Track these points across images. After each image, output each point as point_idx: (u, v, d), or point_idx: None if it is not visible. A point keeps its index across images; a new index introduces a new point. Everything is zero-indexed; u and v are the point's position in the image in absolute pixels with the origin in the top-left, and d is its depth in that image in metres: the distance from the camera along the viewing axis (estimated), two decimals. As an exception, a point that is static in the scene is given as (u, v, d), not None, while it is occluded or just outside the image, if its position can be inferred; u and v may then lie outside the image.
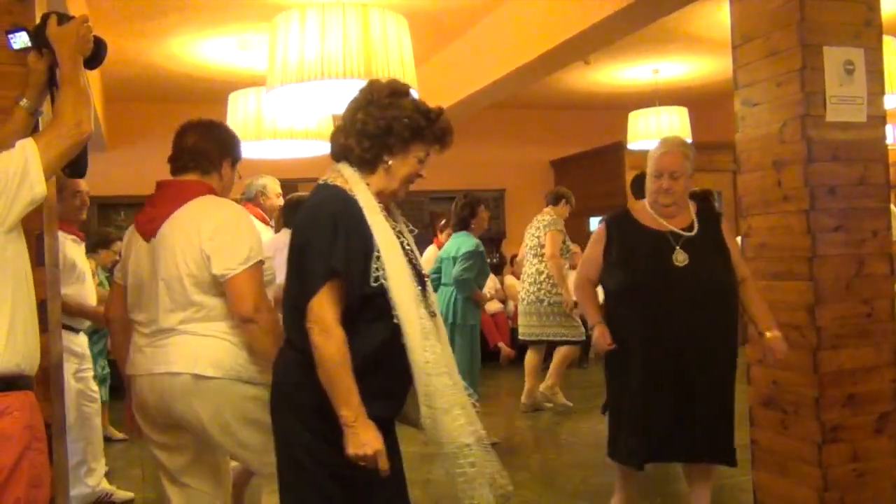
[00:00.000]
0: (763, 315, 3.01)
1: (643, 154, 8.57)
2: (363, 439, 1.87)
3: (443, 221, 6.48)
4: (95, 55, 2.20)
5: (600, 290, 3.26)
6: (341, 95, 3.74)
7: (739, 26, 3.24)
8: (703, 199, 4.79)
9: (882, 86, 3.09)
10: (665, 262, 2.97)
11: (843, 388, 2.95)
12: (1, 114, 2.20)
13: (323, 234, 1.94)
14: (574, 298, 3.91)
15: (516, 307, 6.56)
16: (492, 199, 9.50)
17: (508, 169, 9.43)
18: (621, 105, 7.85)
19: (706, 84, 8.03)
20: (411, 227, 2.16)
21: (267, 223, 4.41)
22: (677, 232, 3.02)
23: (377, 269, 1.92)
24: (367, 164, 2.05)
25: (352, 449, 1.87)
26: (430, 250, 6.44)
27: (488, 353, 8.39)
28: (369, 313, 1.94)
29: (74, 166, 2.16)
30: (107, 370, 5.53)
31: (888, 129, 3.23)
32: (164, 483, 2.55)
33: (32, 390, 1.98)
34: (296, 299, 1.97)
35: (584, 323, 5.48)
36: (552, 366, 6.04)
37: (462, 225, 5.18)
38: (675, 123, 6.97)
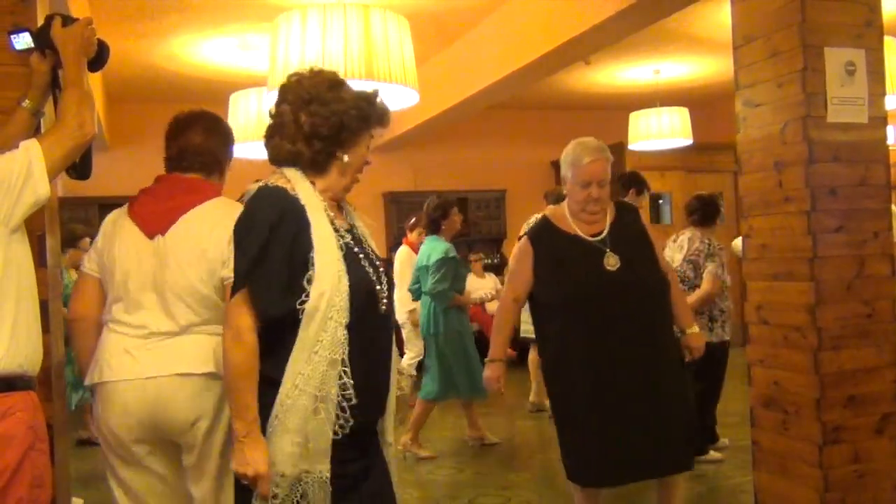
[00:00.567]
0: (685, 312, 3.14)
1: (644, 155, 8.60)
2: (248, 457, 1.78)
3: (412, 220, 6.38)
4: (98, 57, 2.21)
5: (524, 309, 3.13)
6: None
7: (740, 27, 3.24)
8: (709, 204, 4.80)
9: (883, 87, 3.09)
10: (598, 268, 2.90)
11: (844, 389, 2.95)
12: (3, 114, 2.21)
13: (252, 239, 1.83)
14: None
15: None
16: (493, 199, 9.52)
17: (509, 169, 9.43)
18: (622, 105, 7.85)
19: (707, 85, 8.03)
20: (369, 220, 2.12)
21: None
22: (602, 237, 2.97)
23: (308, 280, 1.81)
24: (318, 166, 1.96)
25: (235, 465, 1.80)
26: (402, 251, 6.31)
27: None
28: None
29: (80, 169, 2.17)
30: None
31: (889, 129, 3.23)
32: None
33: (35, 391, 1.98)
34: None
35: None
36: None
37: (433, 227, 5.06)
38: (675, 124, 6.98)
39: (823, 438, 2.91)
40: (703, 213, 4.75)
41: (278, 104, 2.00)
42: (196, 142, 2.44)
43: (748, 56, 3.19)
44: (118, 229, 2.37)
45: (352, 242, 1.95)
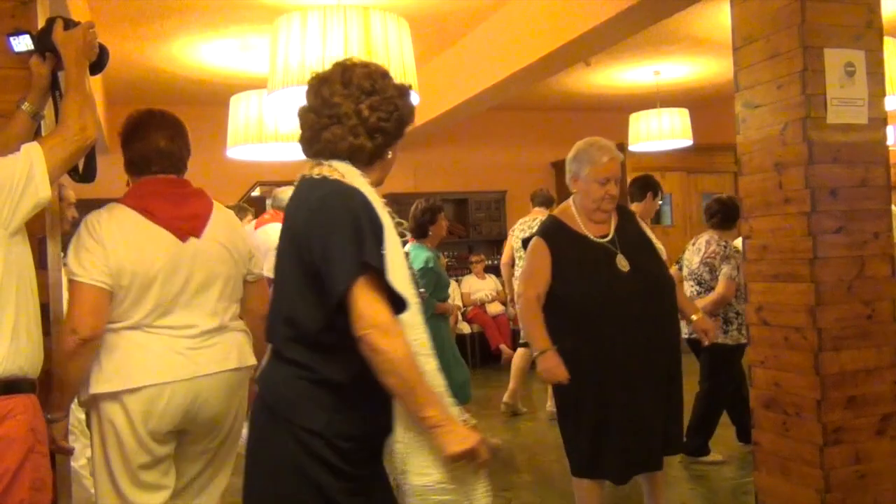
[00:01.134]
0: (686, 301, 3.34)
1: (644, 156, 8.60)
2: (462, 434, 1.69)
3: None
4: (99, 61, 2.22)
5: None
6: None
7: (740, 28, 3.24)
8: (729, 206, 4.81)
9: (883, 88, 3.09)
10: (613, 269, 2.97)
11: (845, 390, 2.95)
12: (2, 118, 2.21)
13: (355, 227, 1.72)
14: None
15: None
16: (493, 200, 9.52)
17: (509, 171, 9.44)
18: (622, 107, 7.86)
19: (707, 86, 8.03)
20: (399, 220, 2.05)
21: None
22: (609, 239, 3.05)
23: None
24: (371, 161, 1.89)
25: (454, 447, 1.68)
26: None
27: (490, 356, 8.41)
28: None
29: (84, 172, 2.17)
30: None
31: (889, 130, 3.23)
32: None
33: (35, 393, 1.98)
34: (294, 310, 1.79)
35: None
36: None
37: (420, 232, 4.87)
38: (676, 125, 6.98)
39: (824, 439, 2.91)
40: (724, 215, 4.79)
41: (328, 94, 1.87)
42: (163, 145, 2.42)
43: (748, 57, 3.19)
44: (139, 236, 2.28)
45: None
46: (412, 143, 8.54)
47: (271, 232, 4.30)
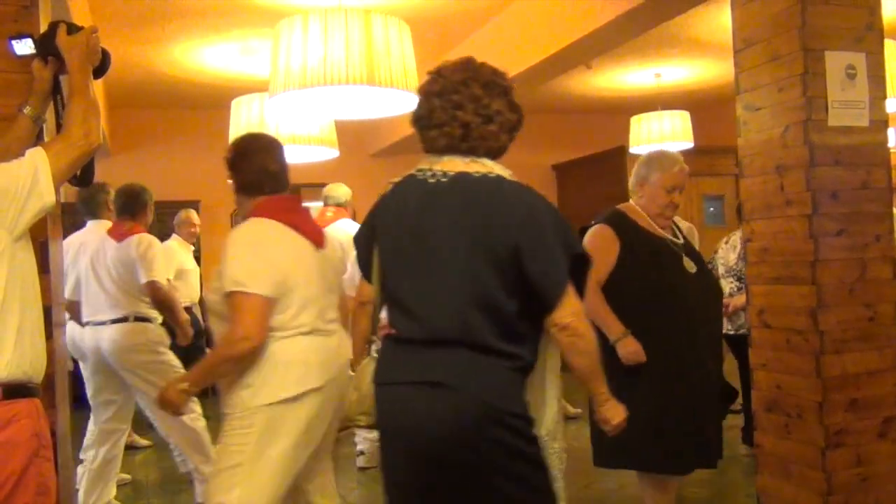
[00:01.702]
0: None
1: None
2: (619, 408, 2.07)
3: None
4: (101, 66, 2.23)
5: None
6: (344, 101, 3.76)
7: (741, 31, 3.25)
8: None
9: (884, 90, 3.09)
10: (682, 268, 3.04)
11: (847, 393, 2.95)
12: (4, 121, 2.21)
13: (558, 224, 1.91)
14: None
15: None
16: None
17: (511, 173, 9.44)
18: (623, 109, 7.86)
19: (708, 88, 8.03)
20: None
21: None
22: (675, 240, 3.13)
23: None
24: (499, 158, 2.05)
25: (617, 418, 2.06)
26: None
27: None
28: None
29: (82, 176, 2.18)
30: None
31: (890, 132, 3.23)
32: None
33: (39, 397, 1.99)
34: (491, 302, 1.86)
35: None
36: None
37: None
38: (677, 128, 6.98)
39: (826, 442, 2.91)
40: None
41: (479, 92, 1.97)
42: (274, 169, 2.62)
43: (749, 60, 3.19)
44: (290, 246, 2.50)
45: None
46: (414, 147, 8.52)
47: (349, 229, 4.44)
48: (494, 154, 2.01)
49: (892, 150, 3.21)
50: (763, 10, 3.11)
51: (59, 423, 2.32)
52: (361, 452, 4.87)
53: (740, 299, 4.41)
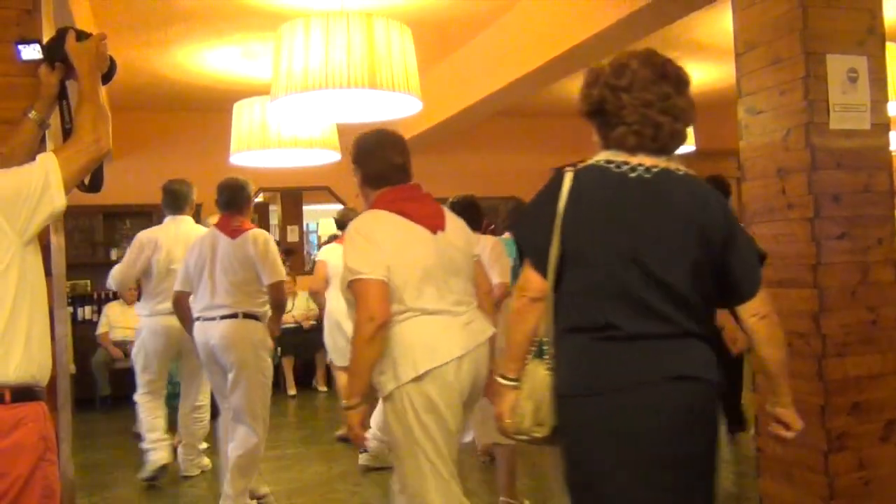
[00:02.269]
0: None
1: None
2: (797, 416, 2.08)
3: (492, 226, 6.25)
4: (107, 72, 2.25)
5: None
6: (345, 104, 3.77)
7: (742, 34, 3.25)
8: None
9: (885, 93, 3.09)
10: None
11: (849, 396, 2.94)
12: (7, 124, 2.22)
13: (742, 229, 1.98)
14: None
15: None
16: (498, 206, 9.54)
17: (513, 176, 9.43)
18: (625, 112, 7.85)
19: (709, 92, 8.03)
20: None
21: None
22: None
23: None
24: None
25: (798, 425, 2.07)
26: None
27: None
28: None
29: (91, 182, 2.19)
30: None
31: (892, 136, 3.23)
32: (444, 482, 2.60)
33: (44, 401, 1.99)
34: (688, 292, 1.88)
35: None
36: None
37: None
38: (678, 131, 6.97)
39: (828, 445, 2.90)
40: None
41: (670, 90, 1.95)
42: (400, 162, 2.78)
43: (750, 63, 3.19)
44: (402, 233, 2.62)
45: None
46: (415, 150, 8.52)
47: None
48: (672, 151, 1.99)
49: (893, 154, 3.21)
50: (764, 13, 3.11)
51: (60, 426, 2.32)
52: (364, 450, 4.75)
53: None
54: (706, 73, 7.52)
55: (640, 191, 1.92)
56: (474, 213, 4.46)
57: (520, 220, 2.09)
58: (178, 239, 4.66)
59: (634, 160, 1.94)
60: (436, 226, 2.69)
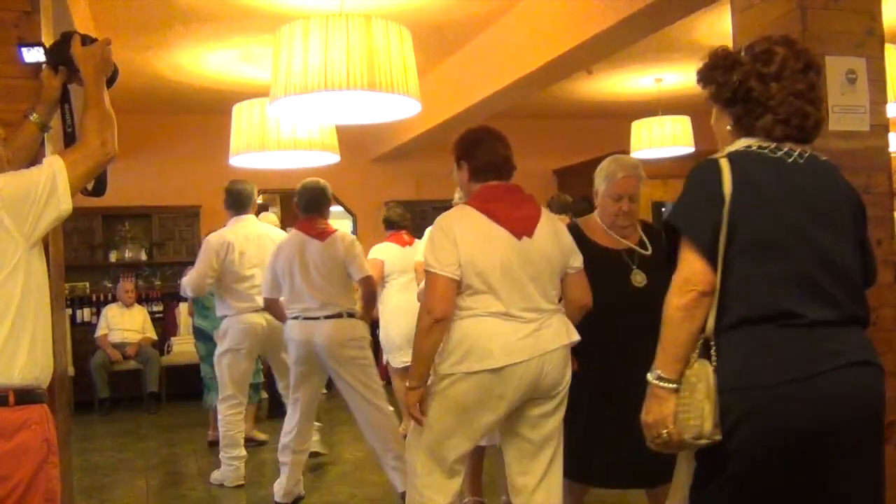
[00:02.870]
0: None
1: (647, 163, 8.58)
2: None
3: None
4: (110, 77, 2.25)
5: None
6: (344, 106, 3.77)
7: (741, 36, 3.24)
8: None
9: (885, 95, 3.09)
10: (624, 283, 3.00)
11: (849, 398, 2.94)
12: (10, 127, 2.22)
13: None
14: None
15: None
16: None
17: (514, 178, 9.45)
18: (624, 114, 7.86)
19: (709, 93, 8.04)
20: None
21: None
22: (635, 249, 3.08)
23: None
24: None
25: None
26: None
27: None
28: None
29: (95, 186, 2.20)
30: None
31: (891, 137, 3.23)
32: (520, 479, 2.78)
33: (46, 403, 2.00)
34: (858, 278, 1.96)
35: None
36: None
37: None
38: (678, 132, 6.98)
39: (828, 447, 2.89)
40: None
41: (813, 84, 1.96)
42: (506, 154, 2.86)
43: (749, 65, 3.19)
44: (483, 233, 2.67)
45: None
46: (414, 152, 8.55)
47: None
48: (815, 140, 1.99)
49: (892, 155, 3.20)
50: (763, 15, 3.11)
51: (59, 429, 2.31)
52: None
53: None
54: (705, 75, 7.53)
55: (803, 174, 1.90)
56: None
57: (684, 207, 1.92)
58: (249, 238, 4.81)
59: (784, 146, 1.92)
60: (522, 230, 2.71)
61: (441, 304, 2.59)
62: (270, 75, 3.51)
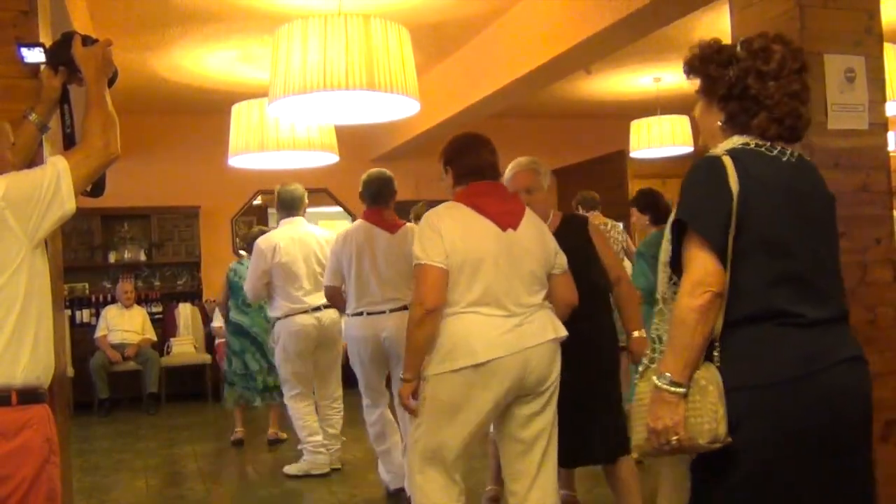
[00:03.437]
0: (632, 316, 3.34)
1: (646, 163, 8.59)
2: None
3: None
4: (110, 78, 2.25)
5: None
6: (344, 106, 3.77)
7: (740, 35, 3.22)
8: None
9: (883, 93, 3.09)
10: None
11: (848, 396, 2.94)
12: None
13: None
14: None
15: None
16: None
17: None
18: (623, 114, 7.86)
19: (708, 92, 8.04)
20: None
21: None
22: None
23: None
24: None
25: None
26: None
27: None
28: None
29: (94, 187, 2.20)
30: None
31: (890, 136, 3.23)
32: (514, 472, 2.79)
33: (48, 403, 2.00)
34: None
35: None
36: None
37: None
38: (676, 132, 6.98)
39: (828, 445, 2.89)
40: None
41: (807, 85, 1.95)
42: (491, 160, 2.89)
43: (748, 63, 3.19)
44: (470, 225, 2.71)
45: None
46: (413, 151, 8.55)
47: None
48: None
49: (891, 154, 3.21)
50: (762, 13, 3.11)
51: (59, 429, 2.31)
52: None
53: None
54: (704, 74, 7.53)
55: (796, 174, 1.90)
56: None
57: (694, 205, 1.86)
58: (295, 239, 4.81)
59: (778, 146, 1.91)
60: (507, 223, 2.74)
61: (432, 293, 2.61)
62: (269, 75, 3.51)
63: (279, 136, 4.65)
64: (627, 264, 5.51)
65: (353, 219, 9.11)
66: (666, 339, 1.90)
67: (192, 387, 7.73)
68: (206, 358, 7.80)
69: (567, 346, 2.85)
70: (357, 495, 4.53)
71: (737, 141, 1.93)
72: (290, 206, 4.94)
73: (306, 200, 5.02)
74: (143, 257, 8.33)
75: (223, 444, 5.93)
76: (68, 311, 7.65)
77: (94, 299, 8.06)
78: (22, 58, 2.20)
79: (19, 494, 1.86)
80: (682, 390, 1.80)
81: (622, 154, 8.04)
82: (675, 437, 1.81)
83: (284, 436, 5.78)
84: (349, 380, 4.72)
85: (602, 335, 3.30)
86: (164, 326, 8.11)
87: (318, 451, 4.85)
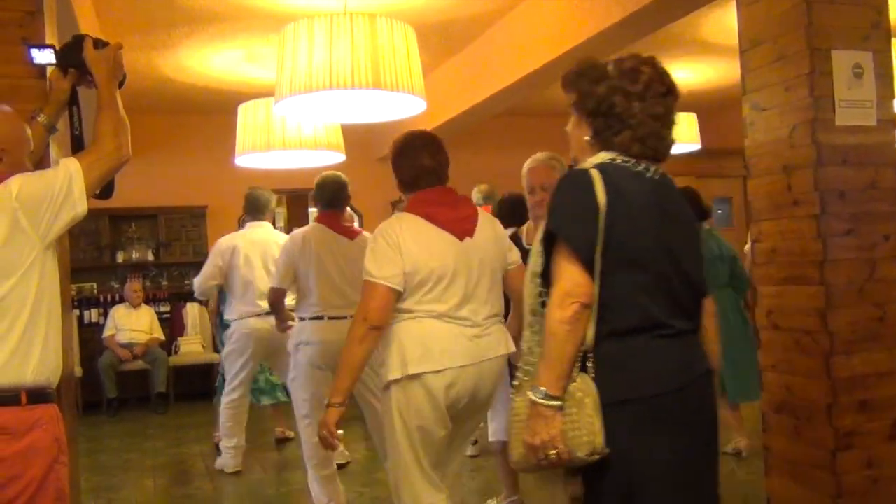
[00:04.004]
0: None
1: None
2: None
3: None
4: (119, 82, 2.26)
5: None
6: (350, 105, 3.76)
7: (747, 31, 3.23)
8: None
9: (891, 89, 3.07)
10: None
11: (857, 394, 2.93)
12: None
13: None
14: None
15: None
16: (501, 206, 9.52)
17: (516, 176, 9.43)
18: (630, 111, 7.84)
19: (714, 89, 8.01)
20: None
21: None
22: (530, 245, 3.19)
23: None
24: None
25: None
26: None
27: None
28: None
29: (103, 189, 2.22)
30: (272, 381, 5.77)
31: (898, 132, 3.21)
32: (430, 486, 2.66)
33: (56, 403, 2.01)
34: None
35: None
36: None
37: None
38: (683, 129, 6.95)
39: (836, 444, 2.89)
40: None
41: (670, 108, 2.02)
42: (436, 161, 2.80)
43: (755, 60, 3.18)
44: (427, 238, 2.64)
45: None
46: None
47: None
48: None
49: (900, 150, 3.19)
50: (769, 9, 3.10)
51: (66, 429, 2.32)
52: (476, 441, 5.00)
53: None
54: (711, 72, 7.50)
55: (660, 190, 1.93)
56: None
57: (563, 216, 1.88)
58: (256, 243, 4.84)
59: (642, 163, 1.94)
60: (464, 231, 2.69)
61: (378, 312, 2.54)
62: (275, 75, 3.51)
63: (286, 135, 4.65)
64: None
65: (360, 217, 9.11)
66: (538, 352, 1.89)
67: (200, 386, 7.73)
68: (214, 357, 7.82)
69: None
70: (364, 493, 4.54)
71: (604, 156, 1.95)
72: (256, 210, 4.99)
73: (274, 205, 5.08)
74: (150, 257, 8.35)
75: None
76: (76, 311, 7.68)
77: (101, 299, 8.09)
78: (31, 59, 2.20)
79: (28, 494, 1.86)
80: (557, 403, 1.79)
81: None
82: (553, 451, 1.80)
83: (291, 434, 5.79)
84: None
85: None
86: (172, 326, 8.13)
87: (232, 452, 5.03)
